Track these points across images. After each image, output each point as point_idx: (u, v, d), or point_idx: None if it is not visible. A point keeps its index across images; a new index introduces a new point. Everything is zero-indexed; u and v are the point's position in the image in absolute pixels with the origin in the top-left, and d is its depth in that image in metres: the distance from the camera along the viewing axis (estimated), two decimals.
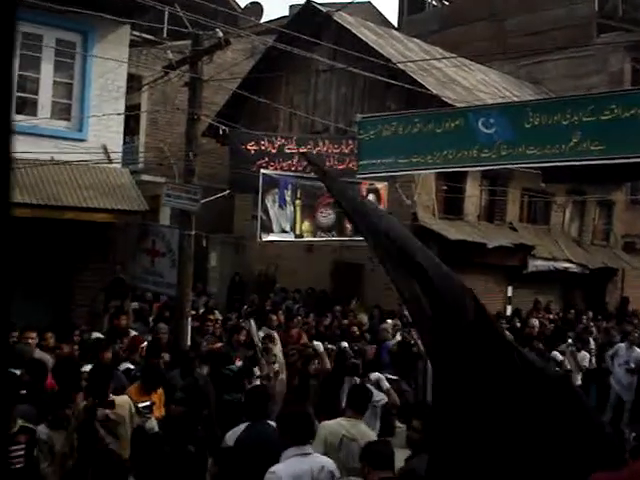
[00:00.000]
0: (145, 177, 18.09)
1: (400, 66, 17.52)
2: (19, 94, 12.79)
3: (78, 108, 13.71)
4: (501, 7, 28.85)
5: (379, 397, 8.43)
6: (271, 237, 13.99)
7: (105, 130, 13.78)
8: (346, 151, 14.73)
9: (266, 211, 13.64)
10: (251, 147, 13.97)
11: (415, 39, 24.08)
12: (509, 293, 20.87)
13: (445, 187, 18.89)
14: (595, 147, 8.58)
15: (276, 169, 14.12)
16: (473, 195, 19.94)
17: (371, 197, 14.93)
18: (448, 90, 18.95)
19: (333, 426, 6.45)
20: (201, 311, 14.53)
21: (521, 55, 26.70)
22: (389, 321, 14.17)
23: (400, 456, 5.58)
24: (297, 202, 14.18)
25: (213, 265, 22.15)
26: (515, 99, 19.95)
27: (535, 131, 9.08)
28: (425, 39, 25.03)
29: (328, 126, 19.08)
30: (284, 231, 14.08)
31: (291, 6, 27.16)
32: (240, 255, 22.21)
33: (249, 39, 19.85)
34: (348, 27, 19.88)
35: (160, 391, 8.06)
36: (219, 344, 11.48)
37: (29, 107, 13.21)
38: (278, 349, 11.62)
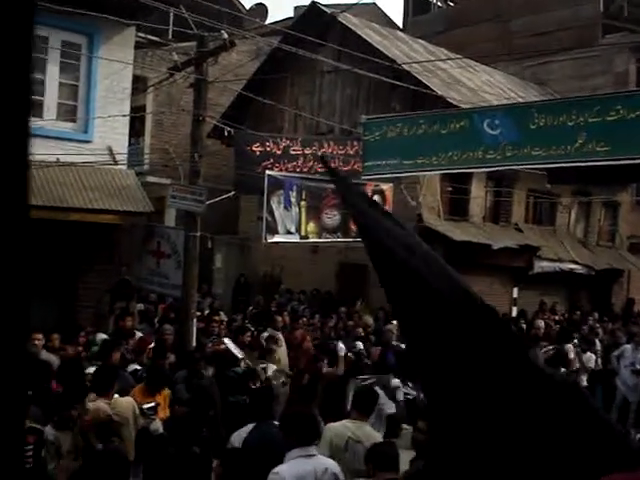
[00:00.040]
0: (150, 178, 18.10)
1: (405, 67, 17.51)
2: None
3: (83, 110, 13.74)
4: (506, 8, 28.80)
5: (387, 405, 8.46)
6: (276, 238, 13.99)
7: (110, 132, 13.80)
8: (351, 152, 14.72)
9: (271, 212, 13.64)
10: (256, 148, 13.98)
11: (420, 40, 24.06)
12: (515, 294, 20.83)
13: (450, 188, 18.86)
14: (601, 148, 8.57)
15: (281, 170, 14.12)
16: (478, 196, 19.92)
17: (376, 198, 14.92)
18: (453, 91, 18.94)
19: (339, 428, 6.44)
20: (206, 312, 14.55)
21: (526, 56, 26.64)
22: (394, 322, 14.16)
23: (405, 457, 5.58)
24: (302, 203, 14.19)
25: (218, 266, 22.15)
26: (520, 100, 19.92)
27: (540, 132, 9.07)
28: (430, 40, 25.00)
29: (333, 127, 19.08)
30: (289, 232, 14.08)
31: (296, 7, 27.14)
32: (245, 256, 22.21)
33: (254, 40, 19.85)
34: (353, 28, 19.88)
35: (165, 392, 8.06)
36: (224, 345, 11.49)
37: (35, 109, 13.21)
38: (283, 350, 11.64)
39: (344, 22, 19.80)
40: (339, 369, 10.70)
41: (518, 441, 1.97)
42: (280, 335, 11.99)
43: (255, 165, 13.88)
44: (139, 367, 9.34)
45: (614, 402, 13.62)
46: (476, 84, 21.81)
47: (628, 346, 14.03)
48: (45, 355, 9.11)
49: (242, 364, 10.16)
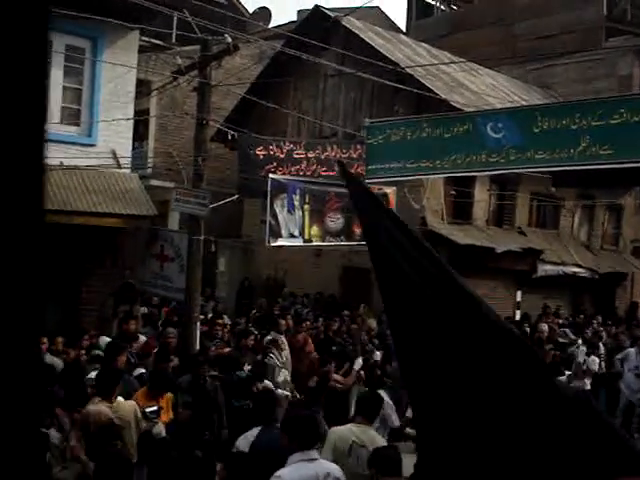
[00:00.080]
0: (154, 182, 18.11)
1: (408, 70, 17.52)
2: None
3: (87, 113, 13.76)
4: (509, 11, 28.81)
5: (394, 417, 8.47)
6: (280, 242, 13.98)
7: (114, 135, 13.82)
8: (354, 156, 14.71)
9: (275, 216, 13.64)
10: (260, 152, 13.97)
11: (423, 44, 24.08)
12: (518, 298, 20.80)
13: (454, 192, 18.86)
14: (604, 151, 8.56)
15: (284, 174, 14.11)
16: (482, 200, 19.91)
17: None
18: (456, 94, 18.94)
19: (343, 432, 6.43)
20: (210, 316, 14.55)
21: (530, 59, 26.66)
22: None
23: (409, 462, 5.57)
24: (306, 207, 14.18)
25: (222, 270, 22.18)
26: (524, 103, 19.90)
27: (544, 135, 9.06)
28: (433, 43, 25.01)
29: (336, 131, 19.10)
30: (293, 236, 14.08)
31: (299, 11, 27.22)
32: (249, 260, 22.23)
33: (257, 44, 19.91)
34: (356, 32, 19.89)
35: (168, 396, 8.06)
36: (227, 349, 11.50)
37: None
38: (286, 354, 11.63)
39: (347, 26, 19.82)
40: (350, 379, 10.71)
41: (528, 450, 1.97)
42: (283, 338, 11.99)
43: (258, 169, 13.88)
44: (144, 371, 9.34)
45: (618, 406, 13.60)
46: (479, 87, 21.82)
47: (632, 349, 14.01)
48: (49, 358, 9.12)
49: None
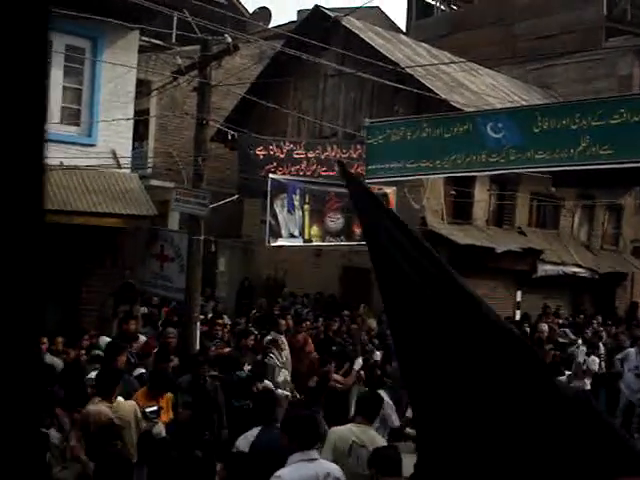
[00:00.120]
0: (154, 182, 18.12)
1: (408, 70, 17.52)
2: None
3: (87, 113, 13.76)
4: (509, 11, 28.81)
5: (394, 417, 8.47)
6: (280, 242, 13.98)
7: (114, 135, 13.82)
8: (354, 156, 14.72)
9: (275, 216, 13.64)
10: (260, 152, 13.97)
11: (423, 43, 24.08)
12: (518, 298, 20.80)
13: (454, 192, 18.87)
14: (604, 151, 8.56)
15: (284, 174, 14.11)
16: (482, 200, 19.92)
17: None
18: (456, 94, 18.94)
19: (343, 431, 6.43)
20: (210, 316, 14.55)
21: (530, 59, 26.66)
22: None
23: (409, 462, 5.57)
24: (306, 207, 14.18)
25: (222, 270, 22.18)
26: (524, 103, 19.90)
27: (544, 135, 9.06)
28: (433, 43, 25.01)
29: (336, 131, 19.10)
30: (293, 236, 14.08)
31: (299, 11, 27.22)
32: (249, 260, 22.23)
33: (257, 44, 19.91)
34: (356, 32, 19.89)
35: (167, 396, 8.06)
36: (227, 349, 11.50)
37: None
38: (286, 354, 11.63)
39: (347, 26, 19.82)
40: (350, 379, 10.71)
41: (528, 450, 1.97)
42: (283, 338, 11.99)
43: (258, 169, 13.88)
44: (144, 371, 9.34)
45: (618, 406, 13.59)
46: (479, 87, 21.82)
47: (632, 349, 14.02)
48: (49, 359, 9.12)
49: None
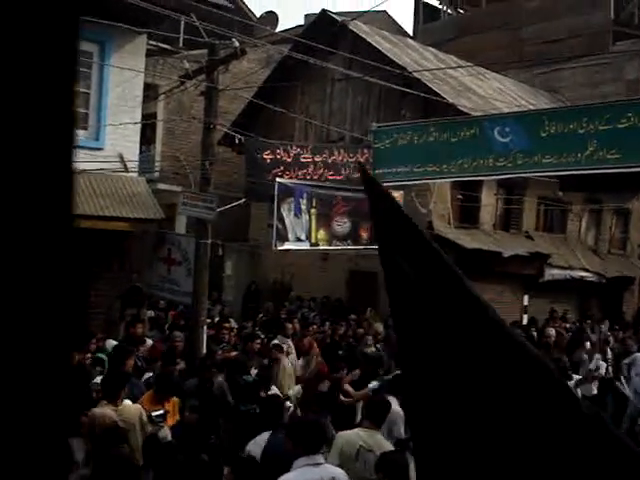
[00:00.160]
0: (161, 186, 18.16)
1: (415, 75, 17.53)
2: None
3: (95, 117, 13.79)
4: (516, 15, 28.80)
5: (402, 429, 8.41)
6: (287, 246, 13.99)
7: (122, 139, 13.85)
8: (361, 160, 14.72)
9: (282, 220, 13.65)
10: (267, 156, 13.99)
11: (430, 48, 24.08)
12: (525, 302, 20.76)
13: (461, 196, 18.84)
14: (611, 155, 8.55)
15: (291, 178, 14.13)
16: (489, 204, 19.89)
17: None
18: (464, 99, 18.93)
19: (350, 436, 6.42)
20: (216, 319, 14.55)
21: (537, 63, 26.65)
22: None
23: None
24: (312, 211, 14.19)
25: (228, 273, 22.19)
26: (531, 107, 19.90)
27: (551, 140, 9.06)
28: (440, 48, 25.01)
29: (343, 135, 19.10)
30: (299, 240, 14.08)
31: (306, 15, 27.21)
32: (256, 263, 22.24)
33: (265, 48, 19.94)
34: (364, 36, 19.90)
35: (174, 399, 8.05)
36: (234, 352, 11.50)
37: None
38: (292, 358, 11.61)
39: (355, 30, 19.83)
40: (361, 395, 10.69)
41: (535, 465, 1.96)
42: (290, 342, 11.98)
43: (265, 173, 13.90)
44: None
45: (626, 412, 13.52)
46: (487, 92, 21.80)
47: (639, 354, 13.95)
48: None
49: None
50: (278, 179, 13.71)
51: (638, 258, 25.19)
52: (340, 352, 12.75)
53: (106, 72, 13.75)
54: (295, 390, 10.38)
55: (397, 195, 15.62)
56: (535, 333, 16.11)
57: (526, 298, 20.78)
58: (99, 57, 13.78)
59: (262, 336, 12.75)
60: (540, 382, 2.00)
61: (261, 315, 16.96)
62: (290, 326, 12.83)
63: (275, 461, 5.82)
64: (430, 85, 17.86)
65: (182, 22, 15.73)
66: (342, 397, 9.91)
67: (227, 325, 13.09)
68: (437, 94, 17.30)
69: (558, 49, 26.55)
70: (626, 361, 14.05)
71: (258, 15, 27.94)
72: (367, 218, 14.07)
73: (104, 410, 6.80)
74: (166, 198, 16.30)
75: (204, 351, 11.40)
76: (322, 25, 19.93)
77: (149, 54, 15.96)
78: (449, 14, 33.89)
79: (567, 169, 9.04)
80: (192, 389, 8.70)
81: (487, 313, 2.11)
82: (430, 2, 34.11)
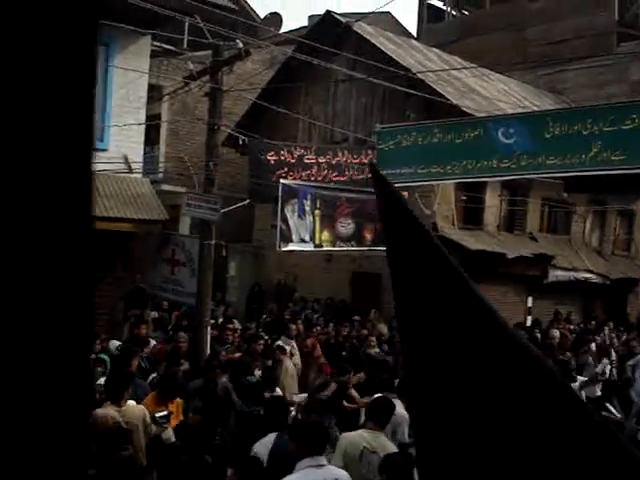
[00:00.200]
0: (165, 187, 18.17)
1: (420, 76, 17.52)
2: None
3: (99, 118, 13.80)
4: (520, 16, 28.78)
5: (405, 433, 8.37)
6: (290, 247, 14.00)
7: (126, 140, 13.87)
8: (365, 161, 14.72)
9: (285, 221, 13.65)
10: (270, 157, 14.00)
11: (434, 49, 24.07)
12: (529, 303, 20.74)
13: (464, 197, 18.84)
14: (616, 157, 8.54)
15: (295, 179, 14.14)
16: (493, 205, 19.87)
17: None
18: (468, 100, 18.92)
19: (354, 437, 6.41)
20: (220, 320, 14.55)
21: (541, 64, 26.61)
22: None
23: None
24: (316, 212, 14.19)
25: (232, 274, 22.18)
26: (535, 109, 19.89)
27: (555, 141, 9.05)
28: (444, 49, 24.99)
29: (347, 136, 19.10)
30: (303, 241, 14.09)
31: (310, 16, 27.23)
32: (259, 264, 22.24)
33: (268, 49, 19.93)
34: (368, 37, 19.90)
35: (178, 401, 8.05)
36: (238, 353, 11.49)
37: None
38: (296, 359, 11.60)
39: (359, 31, 19.82)
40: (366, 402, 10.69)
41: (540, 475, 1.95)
42: (294, 343, 11.98)
43: (269, 174, 13.92)
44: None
45: (630, 413, 13.49)
46: (491, 93, 21.78)
47: None
48: None
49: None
50: (282, 180, 13.72)
51: None
52: (344, 353, 12.74)
53: (110, 73, 13.77)
54: (300, 397, 10.37)
55: None
56: (539, 334, 16.09)
57: (530, 299, 20.75)
58: (103, 58, 13.79)
59: (266, 337, 12.74)
60: (544, 386, 1.99)
61: (265, 316, 16.95)
62: (294, 327, 12.82)
63: (282, 462, 5.81)
64: (434, 86, 17.85)
65: (186, 23, 15.74)
66: (345, 403, 9.87)
67: (231, 326, 13.08)
68: (441, 95, 17.29)
69: (562, 50, 26.53)
70: (630, 363, 14.03)
71: (262, 16, 27.96)
72: (371, 219, 14.09)
73: (107, 411, 6.80)
74: (170, 199, 16.31)
75: (208, 352, 11.40)
76: (326, 26, 19.93)
77: (153, 55, 15.97)
78: (453, 15, 33.87)
79: (571, 170, 9.03)
80: (196, 390, 8.70)
81: (493, 316, 2.10)
82: (434, 3, 34.11)
